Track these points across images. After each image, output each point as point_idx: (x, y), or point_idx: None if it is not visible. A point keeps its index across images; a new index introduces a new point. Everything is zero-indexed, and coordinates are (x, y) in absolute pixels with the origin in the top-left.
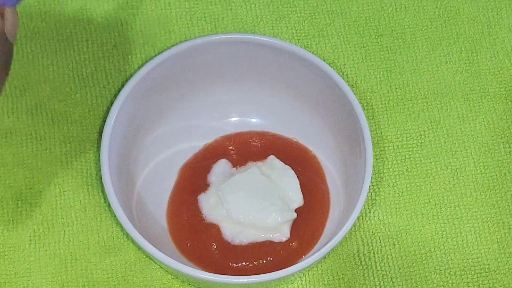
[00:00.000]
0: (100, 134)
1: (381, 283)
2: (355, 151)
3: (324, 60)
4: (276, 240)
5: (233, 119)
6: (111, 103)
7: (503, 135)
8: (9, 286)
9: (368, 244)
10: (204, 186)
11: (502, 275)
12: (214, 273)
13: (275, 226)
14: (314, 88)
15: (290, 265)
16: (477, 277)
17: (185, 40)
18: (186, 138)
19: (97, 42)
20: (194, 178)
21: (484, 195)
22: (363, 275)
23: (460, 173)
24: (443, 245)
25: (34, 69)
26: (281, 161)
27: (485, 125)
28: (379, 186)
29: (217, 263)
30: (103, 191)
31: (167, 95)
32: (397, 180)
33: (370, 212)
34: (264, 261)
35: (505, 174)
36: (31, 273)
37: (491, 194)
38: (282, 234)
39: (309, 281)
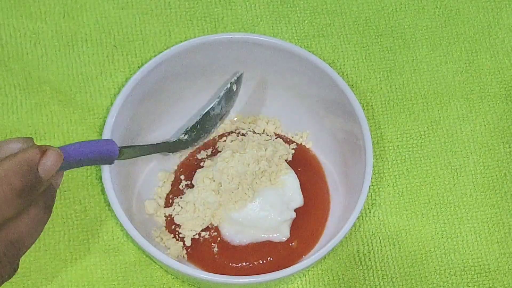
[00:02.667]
0: (100, 134)
1: (381, 283)
2: (355, 151)
3: (324, 60)
4: (276, 240)
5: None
6: (111, 103)
7: (503, 135)
8: (9, 286)
9: (368, 244)
10: None
11: (502, 275)
12: (214, 273)
13: (274, 226)
14: (314, 88)
15: (290, 265)
16: (477, 277)
17: (185, 40)
18: None
19: (97, 42)
20: (191, 177)
21: (484, 195)
22: (363, 275)
23: (460, 173)
24: (443, 245)
25: (34, 69)
26: None
27: (485, 125)
28: (379, 186)
29: (217, 263)
30: (103, 191)
31: (167, 95)
32: (397, 180)
33: (370, 212)
34: (264, 261)
35: (505, 174)
36: (31, 273)
37: (491, 194)
38: (281, 234)
39: (309, 281)
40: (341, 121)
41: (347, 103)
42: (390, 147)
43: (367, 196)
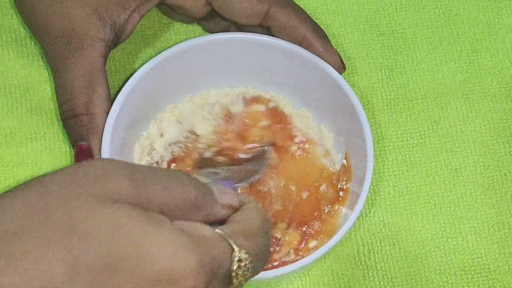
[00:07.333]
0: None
1: (381, 283)
2: (355, 150)
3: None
4: None
5: None
6: (111, 103)
7: (503, 135)
8: None
9: (368, 244)
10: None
11: (502, 275)
12: None
13: None
14: (314, 88)
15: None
16: (477, 277)
17: (185, 40)
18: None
19: None
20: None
21: (484, 195)
22: (363, 275)
23: (460, 173)
24: (443, 245)
25: (34, 69)
26: None
27: (485, 125)
28: (379, 186)
29: None
30: None
31: (167, 95)
32: (397, 180)
33: (370, 212)
34: None
35: (505, 174)
36: None
37: (491, 194)
38: None
39: (309, 281)
40: (342, 121)
41: (348, 103)
42: (390, 147)
43: (367, 196)
